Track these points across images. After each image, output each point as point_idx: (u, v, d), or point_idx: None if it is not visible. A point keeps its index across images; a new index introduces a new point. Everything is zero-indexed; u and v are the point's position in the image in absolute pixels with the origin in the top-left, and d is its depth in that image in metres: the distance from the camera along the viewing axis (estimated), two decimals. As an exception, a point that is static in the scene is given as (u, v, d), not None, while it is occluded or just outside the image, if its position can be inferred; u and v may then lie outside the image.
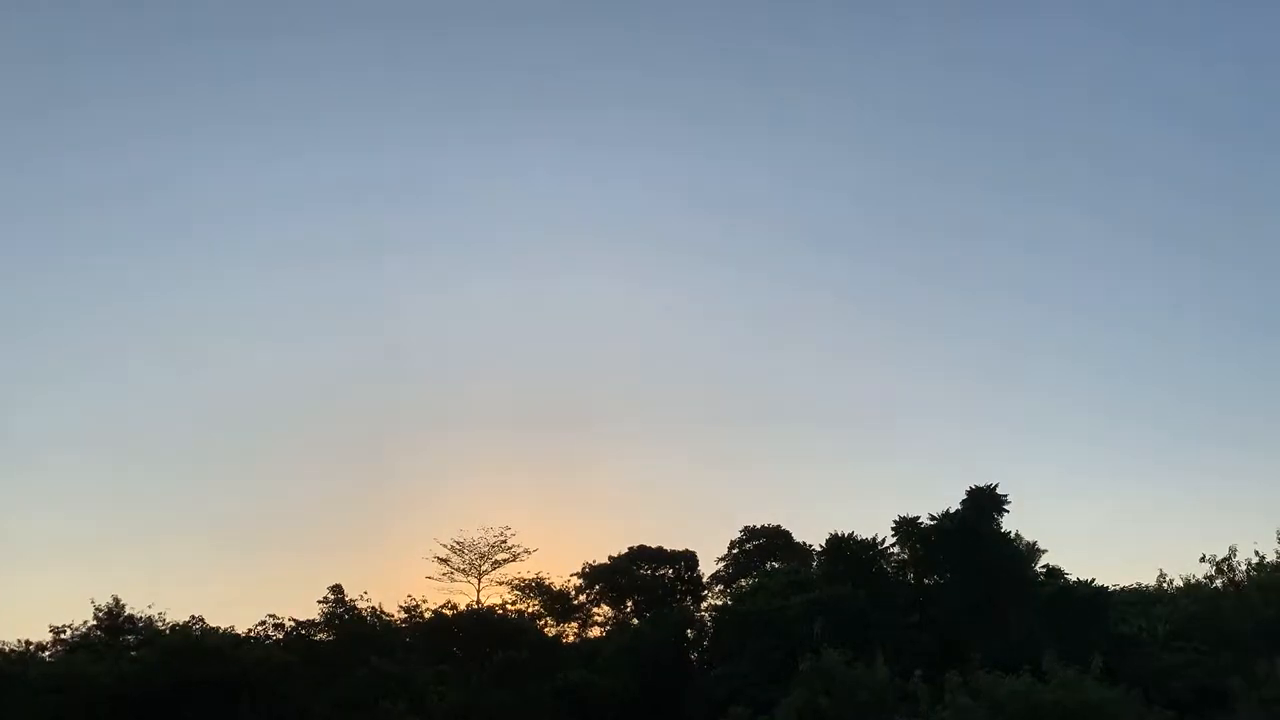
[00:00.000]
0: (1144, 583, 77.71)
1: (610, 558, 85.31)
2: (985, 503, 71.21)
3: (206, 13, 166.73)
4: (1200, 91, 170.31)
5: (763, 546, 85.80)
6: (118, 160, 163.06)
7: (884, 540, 74.63)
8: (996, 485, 71.68)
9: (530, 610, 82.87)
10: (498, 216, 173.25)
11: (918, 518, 72.88)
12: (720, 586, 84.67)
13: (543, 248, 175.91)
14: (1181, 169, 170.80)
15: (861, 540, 75.00)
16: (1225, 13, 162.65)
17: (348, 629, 74.16)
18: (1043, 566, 75.20)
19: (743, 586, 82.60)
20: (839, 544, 75.84)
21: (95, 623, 72.31)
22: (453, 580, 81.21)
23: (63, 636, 71.39)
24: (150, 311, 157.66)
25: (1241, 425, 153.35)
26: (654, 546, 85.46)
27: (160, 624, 72.49)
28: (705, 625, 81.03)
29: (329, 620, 75.34)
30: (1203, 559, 69.84)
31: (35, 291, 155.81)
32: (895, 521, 73.79)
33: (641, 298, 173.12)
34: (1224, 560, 67.92)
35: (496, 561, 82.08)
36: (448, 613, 77.99)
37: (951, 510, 71.59)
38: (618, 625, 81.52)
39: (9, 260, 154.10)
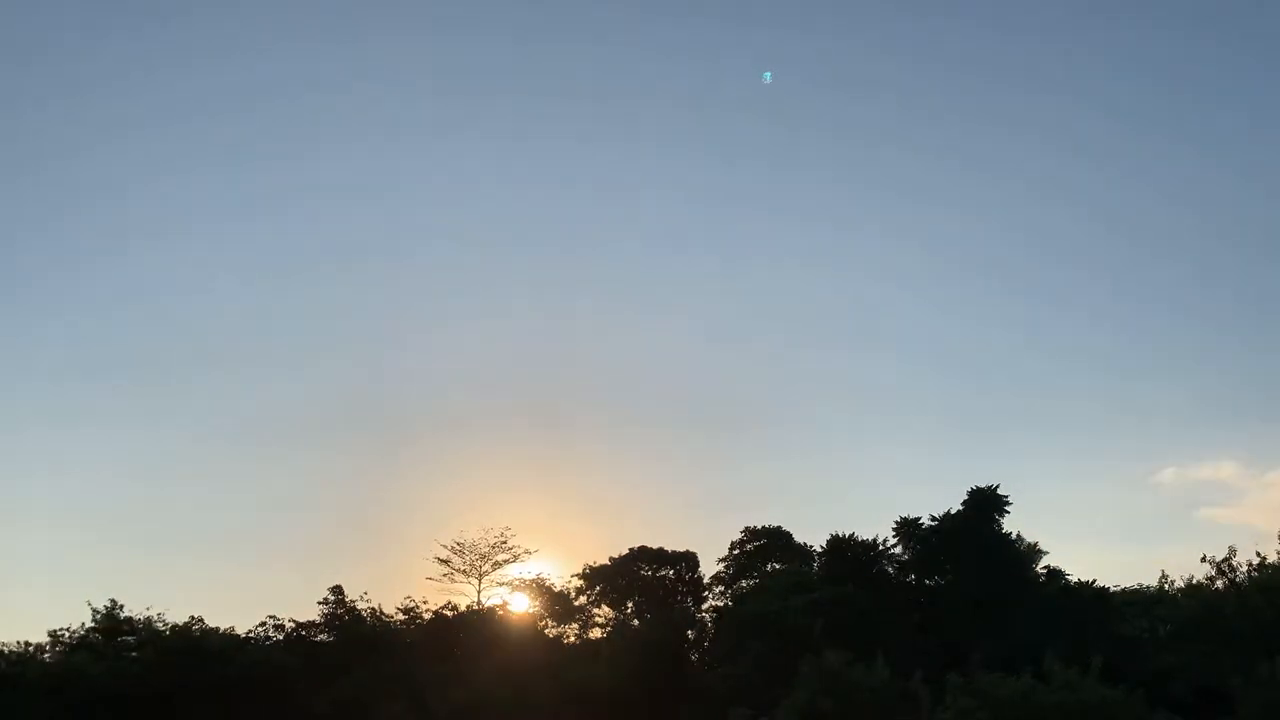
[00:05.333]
0: (1145, 583, 77.58)
1: (611, 558, 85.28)
2: (986, 503, 71.24)
3: (205, 12, 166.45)
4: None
5: (763, 547, 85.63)
6: (115, 164, 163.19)
7: (885, 541, 74.69)
8: (997, 486, 71.80)
9: (531, 611, 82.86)
10: (499, 218, 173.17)
11: (919, 518, 72.98)
12: (721, 587, 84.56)
13: (543, 248, 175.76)
14: (1183, 171, 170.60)
15: (862, 541, 75.03)
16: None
17: (348, 630, 74.26)
18: (1043, 567, 75.22)
19: (743, 587, 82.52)
20: (840, 544, 75.87)
21: (94, 625, 72.35)
22: (453, 581, 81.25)
23: (61, 639, 71.43)
24: (151, 313, 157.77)
25: (1241, 423, 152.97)
26: (655, 547, 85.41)
27: (159, 625, 72.60)
28: (706, 626, 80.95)
29: (329, 621, 75.43)
30: (1204, 559, 69.66)
31: (35, 294, 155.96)
32: (896, 522, 73.86)
33: (643, 297, 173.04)
34: (1225, 561, 67.69)
35: (497, 562, 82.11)
36: (448, 614, 78.01)
37: (952, 511, 71.63)
38: (618, 626, 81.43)
39: (8, 261, 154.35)
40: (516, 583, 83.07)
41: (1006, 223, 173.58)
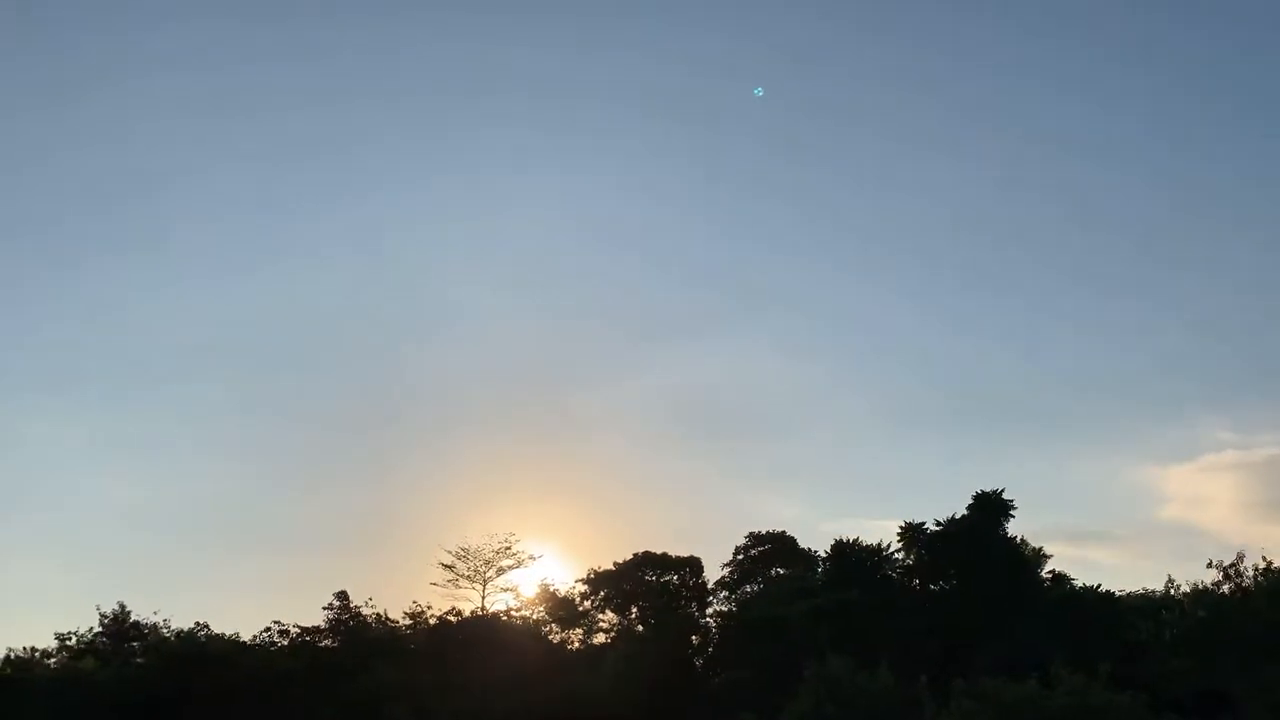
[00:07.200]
0: (1151, 588, 77.28)
1: (615, 563, 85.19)
2: (991, 508, 71.03)
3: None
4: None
5: (767, 552, 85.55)
6: (117, 166, 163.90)
7: (889, 546, 74.55)
8: (1002, 490, 71.58)
9: (535, 617, 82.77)
10: (500, 220, 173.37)
11: (923, 523, 72.82)
12: (725, 593, 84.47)
13: (547, 250, 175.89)
14: (1166, 173, 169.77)
15: (866, 546, 74.85)
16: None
17: (353, 635, 74.34)
18: (1048, 572, 74.93)
19: (748, 593, 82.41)
20: (844, 550, 75.66)
21: (101, 629, 72.67)
22: (457, 586, 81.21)
23: (68, 643, 71.72)
24: (156, 315, 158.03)
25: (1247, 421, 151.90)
26: (659, 552, 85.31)
27: (165, 630, 72.90)
28: (710, 631, 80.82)
29: (334, 626, 75.53)
30: (1210, 564, 69.52)
31: (38, 294, 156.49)
32: (900, 527, 73.70)
33: (646, 300, 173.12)
34: (1231, 566, 67.52)
35: (501, 568, 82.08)
36: (452, 619, 78.01)
37: (957, 515, 71.49)
38: (623, 632, 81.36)
39: (11, 265, 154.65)
40: (520, 590, 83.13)
41: (1005, 223, 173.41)
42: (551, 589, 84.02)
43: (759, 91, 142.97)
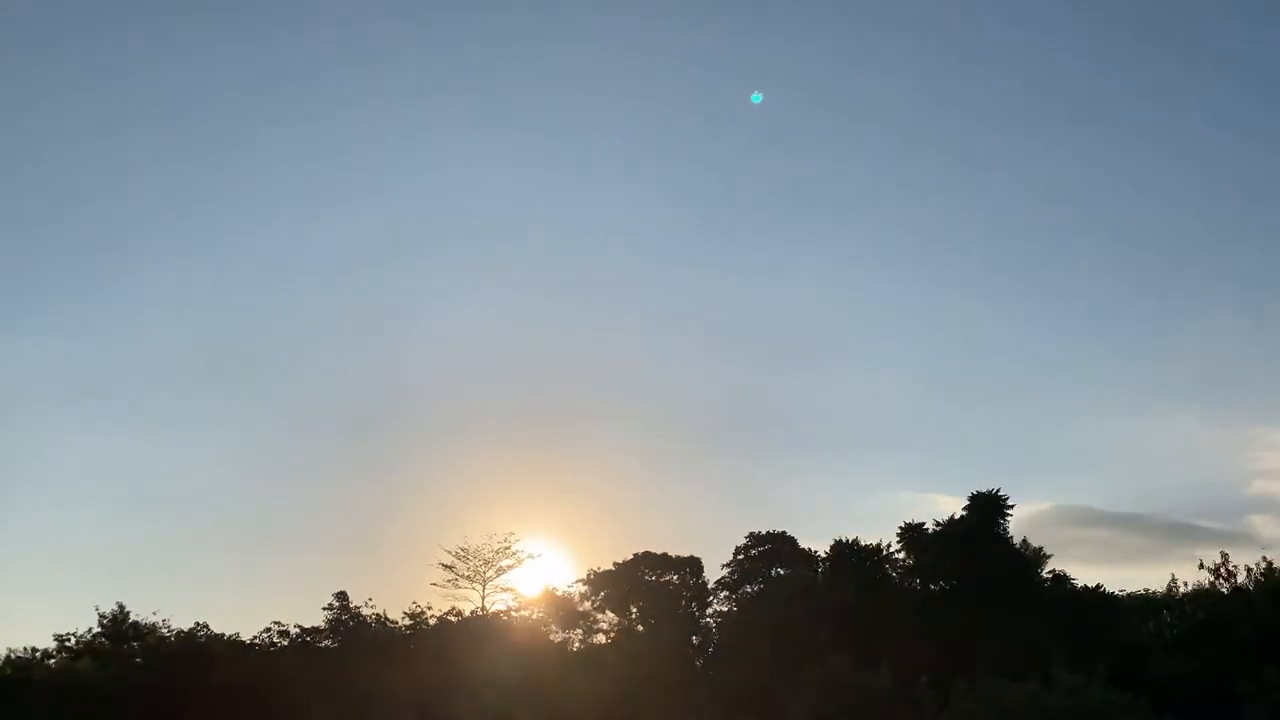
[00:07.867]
0: (1152, 589, 77.38)
1: (615, 563, 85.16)
2: (988, 508, 71.12)
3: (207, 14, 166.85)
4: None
5: (768, 552, 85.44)
6: (125, 170, 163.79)
7: (889, 546, 74.62)
8: (999, 490, 71.70)
9: (535, 617, 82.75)
10: (500, 220, 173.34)
11: (922, 523, 72.91)
12: (725, 593, 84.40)
13: (546, 249, 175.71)
14: (1168, 173, 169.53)
15: (866, 546, 74.91)
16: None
17: (352, 636, 74.31)
18: (1049, 572, 74.95)
19: (748, 593, 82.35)
20: (844, 550, 75.74)
21: (100, 630, 72.63)
22: (457, 587, 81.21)
23: (67, 644, 71.67)
24: (155, 322, 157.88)
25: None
26: (659, 552, 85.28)
27: (165, 630, 72.91)
28: (710, 631, 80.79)
29: (334, 627, 75.50)
30: (1201, 566, 69.87)
31: (38, 292, 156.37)
32: (900, 527, 73.80)
33: (647, 303, 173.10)
34: (1221, 565, 67.90)
35: (501, 568, 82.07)
36: (452, 619, 78.00)
37: (956, 515, 71.59)
38: (623, 632, 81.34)
39: (9, 266, 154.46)
40: (520, 590, 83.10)
41: (1003, 224, 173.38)
42: (551, 588, 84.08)
43: (757, 98, 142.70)
